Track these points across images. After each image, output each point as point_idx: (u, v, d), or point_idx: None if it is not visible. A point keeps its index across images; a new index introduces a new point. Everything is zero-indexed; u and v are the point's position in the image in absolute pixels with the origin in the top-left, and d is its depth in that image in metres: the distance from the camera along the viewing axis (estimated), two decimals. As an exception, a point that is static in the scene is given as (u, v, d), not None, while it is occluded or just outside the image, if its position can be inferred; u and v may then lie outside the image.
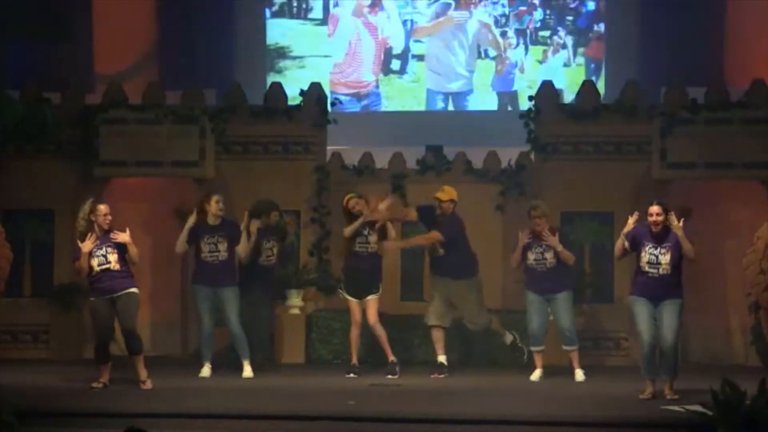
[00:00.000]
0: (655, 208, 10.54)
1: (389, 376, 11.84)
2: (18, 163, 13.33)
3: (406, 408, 10.11)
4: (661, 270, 10.47)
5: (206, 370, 11.96)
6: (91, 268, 11.08)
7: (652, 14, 15.74)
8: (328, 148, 13.86)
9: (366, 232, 12.00)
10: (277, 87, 13.96)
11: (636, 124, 13.19)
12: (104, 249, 11.07)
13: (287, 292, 13.16)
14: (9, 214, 13.45)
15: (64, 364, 12.91)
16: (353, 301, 12.05)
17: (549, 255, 11.67)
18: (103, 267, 11.05)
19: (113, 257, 11.06)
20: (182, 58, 15.85)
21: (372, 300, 11.99)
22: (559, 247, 11.58)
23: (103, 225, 11.07)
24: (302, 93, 13.80)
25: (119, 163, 13.59)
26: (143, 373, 11.10)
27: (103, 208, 11.12)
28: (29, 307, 13.60)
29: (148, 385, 11.06)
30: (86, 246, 11.00)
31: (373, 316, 11.98)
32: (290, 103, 13.74)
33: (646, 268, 10.53)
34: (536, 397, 10.73)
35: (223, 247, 11.95)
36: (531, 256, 11.75)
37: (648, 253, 10.51)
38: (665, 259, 10.46)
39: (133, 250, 11.11)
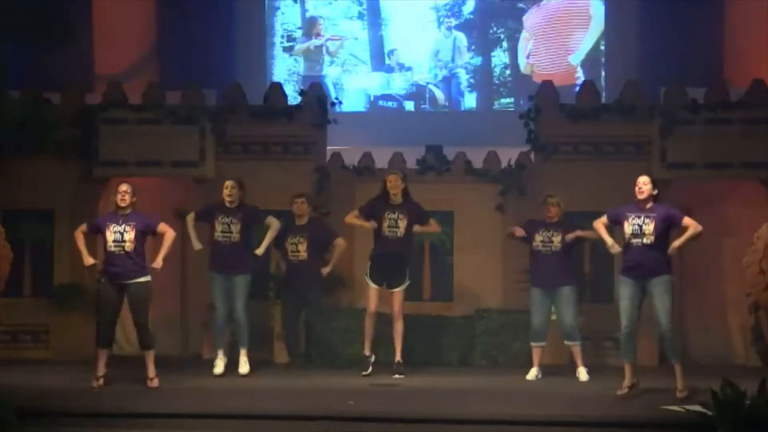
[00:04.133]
0: (643, 178, 10.65)
1: (395, 376, 11.86)
2: (18, 163, 13.33)
3: (406, 408, 10.11)
4: (645, 239, 10.45)
5: (220, 364, 11.98)
6: (105, 244, 11.05)
7: (652, 14, 15.76)
8: (328, 148, 13.86)
9: (396, 216, 11.98)
10: (277, 87, 13.98)
11: (636, 124, 13.19)
12: (123, 226, 11.03)
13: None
14: (9, 214, 13.45)
15: (64, 364, 12.91)
16: (374, 289, 12.01)
17: (556, 239, 11.78)
18: (118, 245, 10.99)
19: (129, 236, 11.00)
20: (182, 58, 15.86)
21: (398, 292, 12.00)
22: (582, 233, 11.76)
23: (119, 201, 11.07)
24: (302, 93, 13.81)
25: (119, 163, 13.59)
26: (152, 370, 11.12)
27: (123, 185, 11.18)
28: (29, 307, 13.60)
29: (155, 383, 11.08)
30: (87, 261, 11.21)
31: (397, 307, 12.00)
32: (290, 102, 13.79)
33: (631, 240, 10.53)
34: (536, 397, 10.73)
35: (236, 228, 12.00)
36: (538, 238, 11.84)
37: (631, 224, 10.53)
38: (649, 228, 10.44)
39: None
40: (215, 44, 16.17)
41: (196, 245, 12.19)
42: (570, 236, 11.78)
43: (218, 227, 12.02)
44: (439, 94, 16.62)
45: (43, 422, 9.29)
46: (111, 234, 11.03)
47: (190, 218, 12.32)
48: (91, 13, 15.70)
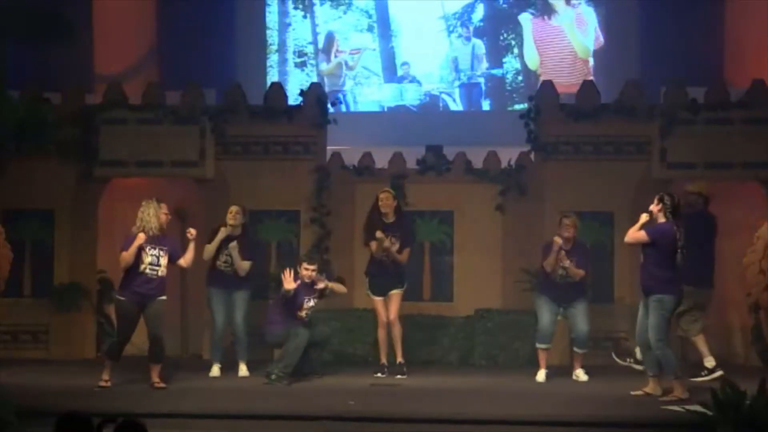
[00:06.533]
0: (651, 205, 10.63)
1: (398, 376, 11.85)
2: (18, 163, 13.29)
3: (406, 408, 10.11)
4: (641, 257, 10.55)
5: (216, 370, 12.03)
6: (137, 264, 11.03)
7: (652, 15, 15.75)
8: (328, 148, 13.86)
9: (389, 239, 11.93)
10: (277, 87, 13.97)
11: (636, 124, 13.19)
12: (157, 250, 11.10)
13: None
14: (9, 214, 13.45)
15: (64, 364, 12.92)
16: (379, 301, 12.04)
17: (572, 272, 11.71)
18: (153, 269, 11.05)
19: (164, 261, 11.12)
20: (182, 58, 15.85)
21: (396, 294, 12.01)
22: (571, 268, 11.68)
23: (165, 224, 11.14)
24: (302, 93, 13.81)
25: (119, 163, 13.60)
26: (156, 377, 11.17)
27: (165, 205, 11.22)
28: (29, 307, 13.60)
29: (162, 384, 11.14)
30: (140, 238, 11.02)
31: (394, 312, 12.01)
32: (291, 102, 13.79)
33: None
34: (536, 397, 10.73)
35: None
36: (558, 270, 11.73)
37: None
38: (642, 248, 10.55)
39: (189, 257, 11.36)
40: (215, 44, 16.15)
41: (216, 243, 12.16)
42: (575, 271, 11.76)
43: (221, 257, 12.05)
44: (452, 103, 16.59)
45: (43, 422, 9.27)
46: (147, 256, 11.06)
47: (207, 250, 12.14)
48: (91, 13, 15.70)
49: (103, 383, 11.04)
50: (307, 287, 11.78)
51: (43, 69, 14.50)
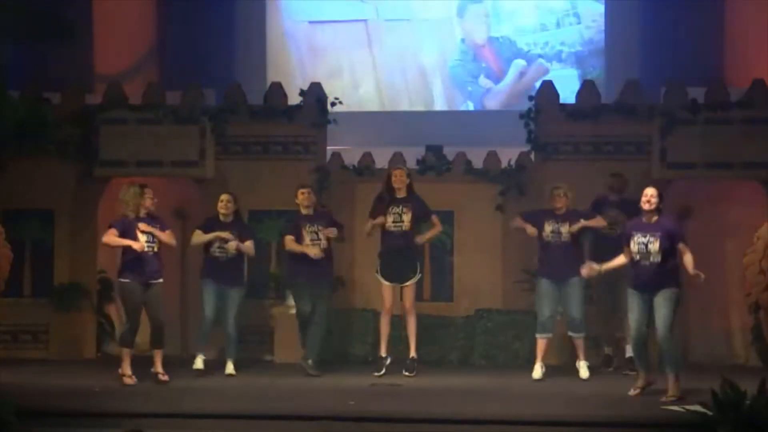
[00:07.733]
0: (651, 190, 10.58)
1: (406, 373, 11.83)
2: (18, 163, 13.30)
3: (406, 408, 10.11)
4: (651, 258, 10.45)
5: (199, 362, 12.00)
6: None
7: (652, 14, 15.76)
8: (328, 148, 13.87)
9: (400, 210, 11.88)
10: (277, 87, 13.97)
11: (636, 124, 13.19)
12: (150, 228, 11.23)
13: (286, 291, 13.14)
14: (9, 214, 13.44)
15: (64, 364, 12.93)
16: (387, 286, 11.90)
17: (565, 230, 11.67)
18: (150, 247, 11.20)
19: (160, 235, 11.28)
20: (182, 58, 15.86)
21: (409, 286, 11.89)
22: (587, 223, 11.70)
23: (151, 207, 11.31)
24: (302, 93, 13.81)
25: (119, 163, 13.60)
26: (160, 366, 11.25)
27: (150, 191, 11.33)
28: (29, 307, 13.60)
29: (166, 377, 11.21)
30: (138, 245, 11.13)
31: (410, 301, 11.88)
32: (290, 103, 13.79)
33: (639, 260, 10.53)
34: (536, 397, 10.73)
35: (232, 245, 11.99)
36: (548, 228, 11.70)
37: (637, 242, 10.51)
38: (654, 247, 10.42)
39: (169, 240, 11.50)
40: (215, 44, 16.17)
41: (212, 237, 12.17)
42: (574, 227, 11.68)
43: (215, 243, 12.04)
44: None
45: (43, 422, 9.29)
46: (142, 235, 11.19)
47: (198, 234, 12.19)
48: (91, 13, 15.72)
49: (128, 379, 11.12)
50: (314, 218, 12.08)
51: (43, 69, 14.52)
